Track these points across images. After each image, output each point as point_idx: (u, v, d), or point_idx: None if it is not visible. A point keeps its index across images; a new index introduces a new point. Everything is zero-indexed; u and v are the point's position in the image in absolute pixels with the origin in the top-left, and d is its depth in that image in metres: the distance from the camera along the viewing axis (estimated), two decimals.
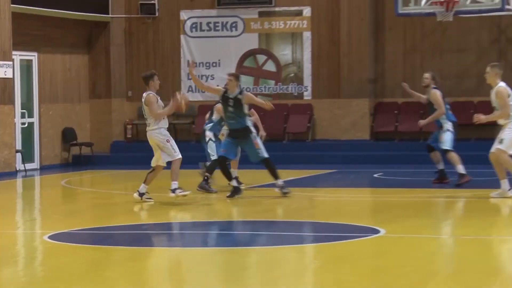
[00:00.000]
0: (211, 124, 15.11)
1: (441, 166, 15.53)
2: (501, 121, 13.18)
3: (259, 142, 14.09)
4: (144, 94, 13.60)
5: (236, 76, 14.24)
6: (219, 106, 14.74)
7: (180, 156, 13.54)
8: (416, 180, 16.25)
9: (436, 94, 15.17)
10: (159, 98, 13.59)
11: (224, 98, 14.04)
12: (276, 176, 14.12)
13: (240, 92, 14.01)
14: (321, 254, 9.78)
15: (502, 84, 13.16)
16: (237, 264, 9.23)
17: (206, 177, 14.78)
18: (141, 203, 13.68)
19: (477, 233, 10.88)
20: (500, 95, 13.07)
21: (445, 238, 10.67)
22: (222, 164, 14.11)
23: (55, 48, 21.58)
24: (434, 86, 15.33)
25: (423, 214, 12.85)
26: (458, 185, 15.02)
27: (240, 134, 14.01)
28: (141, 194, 13.71)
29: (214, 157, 14.73)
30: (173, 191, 13.46)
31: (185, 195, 13.50)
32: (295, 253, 9.83)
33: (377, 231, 10.75)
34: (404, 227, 11.41)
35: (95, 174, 20.22)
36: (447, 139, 15.17)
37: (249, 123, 14.06)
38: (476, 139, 20.74)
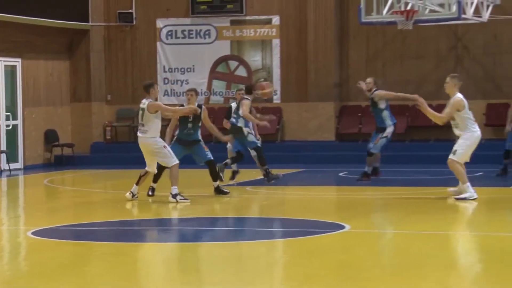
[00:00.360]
0: (244, 120, 15.20)
1: (377, 164, 15.97)
2: (456, 132, 13.13)
3: (206, 146, 14.01)
4: (145, 101, 13.20)
5: (196, 92, 14.19)
6: (246, 102, 15.00)
7: (177, 161, 13.36)
8: (379, 178, 16.28)
9: (382, 92, 15.65)
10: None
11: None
12: (215, 179, 14.07)
13: (200, 107, 13.94)
14: (290, 248, 9.79)
15: (459, 95, 13.09)
16: (210, 259, 9.21)
17: (266, 170, 15.30)
18: (120, 201, 13.62)
19: (436, 228, 10.93)
20: (453, 104, 12.99)
21: (406, 233, 10.71)
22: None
23: (38, 54, 21.44)
24: (376, 89, 15.81)
25: (385, 211, 12.89)
26: (359, 180, 15.79)
27: (191, 144, 13.93)
28: (134, 195, 13.51)
29: (258, 143, 15.42)
30: (174, 196, 13.23)
31: (185, 203, 13.26)
32: (265, 248, 9.82)
33: (342, 227, 10.77)
34: (367, 223, 11.44)
35: (76, 173, 20.12)
36: (379, 146, 15.74)
37: (200, 136, 13.96)
38: (435, 140, 20.87)
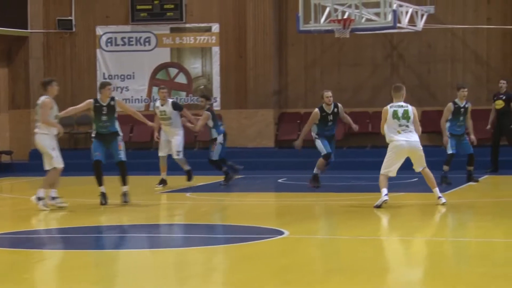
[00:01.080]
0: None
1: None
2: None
3: (122, 145, 13.79)
4: (42, 98, 13.20)
5: (111, 85, 14.11)
6: None
7: (61, 166, 13.13)
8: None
9: (343, 110, 15.72)
10: (55, 104, 13.20)
11: (97, 108, 13.72)
12: (124, 182, 13.77)
13: (112, 99, 13.82)
14: (230, 254, 9.74)
15: (388, 105, 13.09)
16: (148, 265, 9.12)
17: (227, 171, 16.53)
18: (57, 208, 13.40)
19: (373, 233, 11.00)
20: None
21: (344, 239, 10.76)
22: (98, 168, 13.70)
23: None
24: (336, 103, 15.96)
25: (324, 216, 12.94)
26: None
27: (109, 138, 13.72)
28: (53, 198, 13.13)
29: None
30: (38, 199, 13.05)
31: (62, 207, 13.11)
32: (204, 254, 9.76)
33: (281, 233, 10.76)
34: (306, 229, 11.45)
35: (14, 181, 19.79)
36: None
37: (117, 127, 13.79)
38: (372, 146, 21.03)
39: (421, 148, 12.97)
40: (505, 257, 9.09)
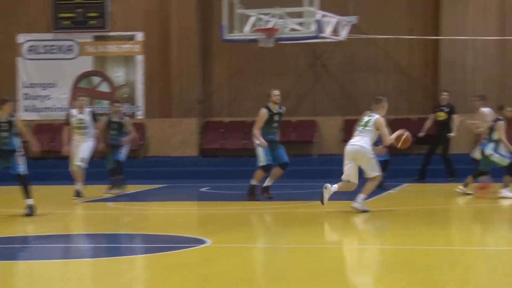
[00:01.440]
0: None
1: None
2: None
3: (20, 160, 13.36)
4: None
5: (11, 101, 13.79)
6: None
7: None
8: (240, 193, 16.25)
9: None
10: None
11: None
12: (28, 196, 13.30)
13: (12, 115, 13.48)
14: (151, 264, 9.56)
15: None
16: (69, 277, 8.88)
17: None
18: None
19: (297, 242, 10.93)
20: None
21: (267, 247, 10.66)
22: None
23: None
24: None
25: (247, 225, 12.84)
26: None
27: (7, 155, 13.35)
28: None
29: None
30: None
31: None
32: (125, 264, 9.55)
33: (203, 242, 10.62)
34: (229, 238, 11.33)
35: None
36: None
37: (17, 144, 13.40)
38: (294, 155, 20.98)
39: (368, 154, 13.01)
40: (426, 264, 9.12)
